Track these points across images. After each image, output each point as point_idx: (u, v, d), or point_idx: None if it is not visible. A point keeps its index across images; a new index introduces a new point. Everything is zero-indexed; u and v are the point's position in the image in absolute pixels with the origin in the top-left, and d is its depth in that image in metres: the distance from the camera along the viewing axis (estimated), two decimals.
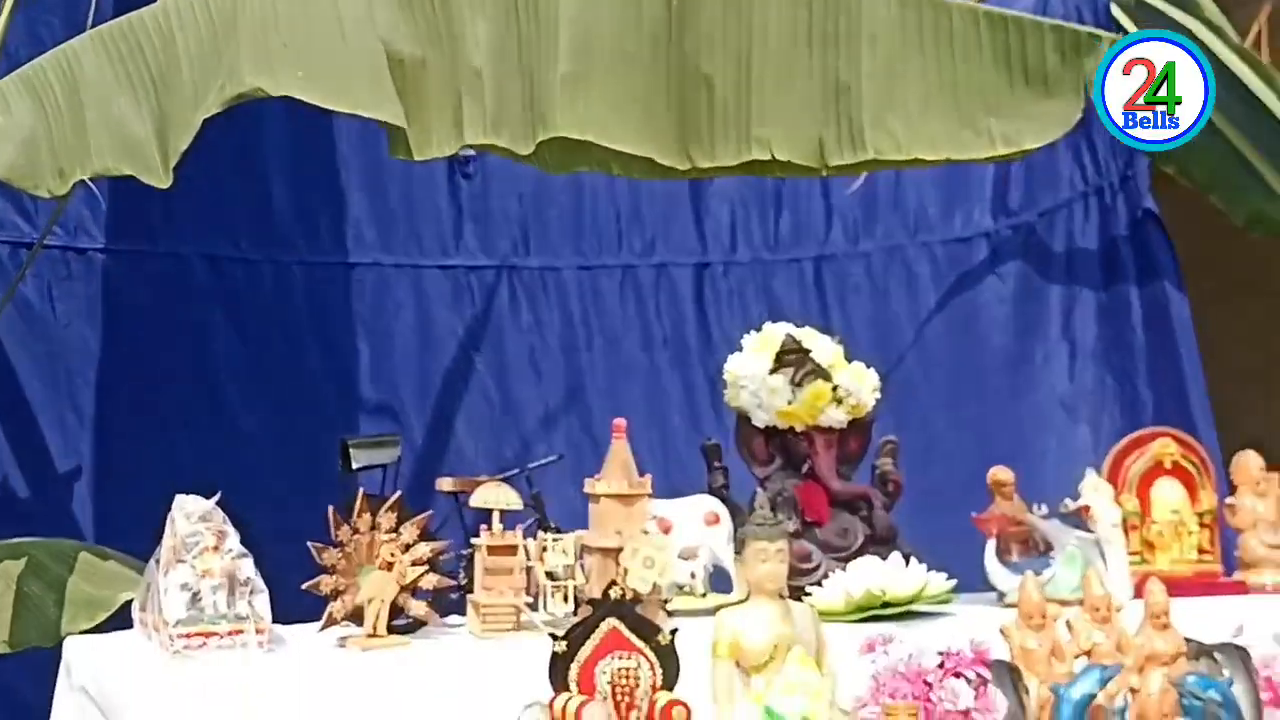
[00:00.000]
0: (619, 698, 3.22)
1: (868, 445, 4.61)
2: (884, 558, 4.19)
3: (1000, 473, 4.52)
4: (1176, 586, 4.44)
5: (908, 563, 4.16)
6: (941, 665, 3.33)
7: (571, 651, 3.24)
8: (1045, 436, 6.51)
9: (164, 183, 3.79)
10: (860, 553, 4.29)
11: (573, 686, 3.22)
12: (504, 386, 6.18)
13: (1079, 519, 4.39)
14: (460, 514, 4.39)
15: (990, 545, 4.34)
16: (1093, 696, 3.36)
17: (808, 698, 3.10)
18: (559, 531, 3.94)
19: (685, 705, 3.21)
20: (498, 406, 6.17)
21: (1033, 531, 4.41)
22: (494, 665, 3.61)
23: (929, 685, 3.29)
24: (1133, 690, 3.49)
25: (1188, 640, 3.65)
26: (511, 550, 3.78)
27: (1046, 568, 4.26)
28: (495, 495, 3.83)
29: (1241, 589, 4.56)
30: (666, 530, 4.14)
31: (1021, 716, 3.38)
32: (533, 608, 3.77)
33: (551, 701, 3.22)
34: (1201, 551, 4.67)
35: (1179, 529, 4.65)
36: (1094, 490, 4.45)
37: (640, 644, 3.28)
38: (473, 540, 3.89)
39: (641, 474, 3.91)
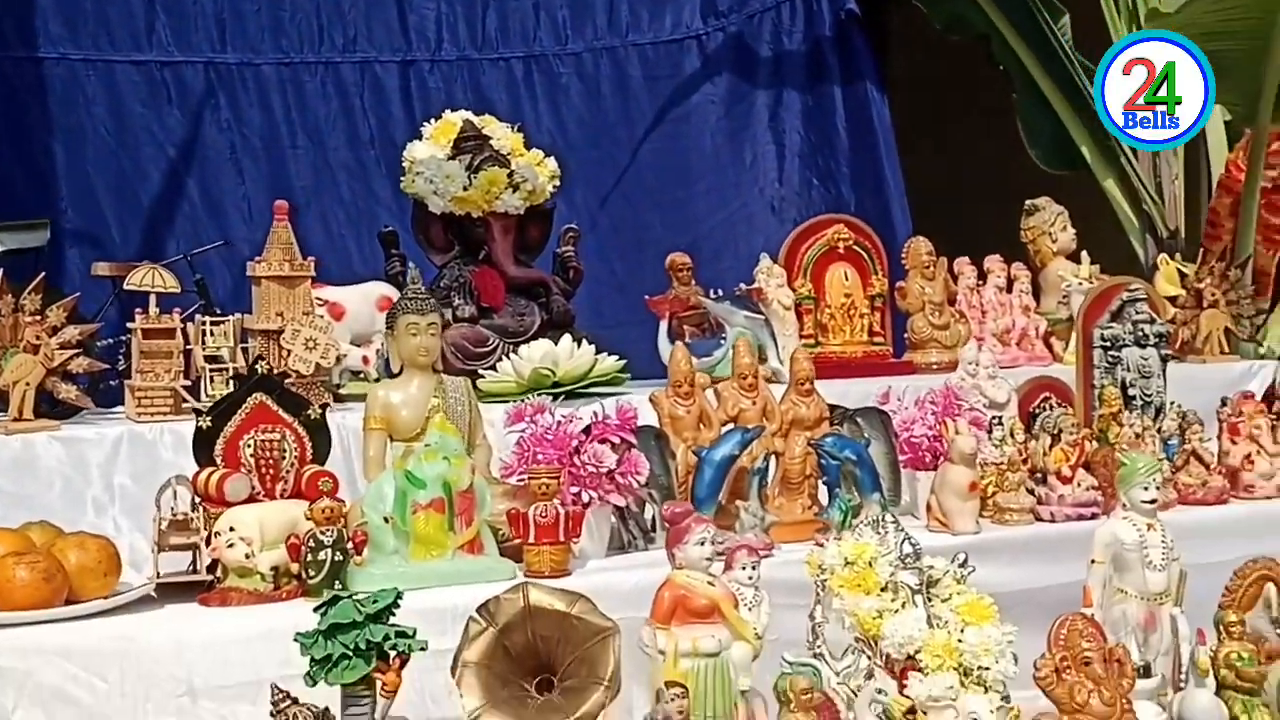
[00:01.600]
0: (264, 470, 3.24)
1: (549, 233, 4.63)
2: (557, 342, 4.23)
3: (678, 257, 4.61)
4: (848, 367, 4.65)
5: (579, 345, 4.21)
6: (588, 431, 3.39)
7: (216, 427, 3.24)
8: (754, 236, 6.65)
9: None
10: (536, 337, 4.33)
11: (218, 461, 3.22)
12: (204, 184, 6.02)
13: (752, 301, 4.51)
14: (119, 300, 4.28)
15: (663, 326, 4.42)
16: (734, 458, 3.47)
17: (448, 463, 3.14)
18: (223, 315, 3.89)
19: (331, 476, 3.23)
20: (198, 205, 6.01)
21: (707, 314, 4.50)
22: (147, 448, 3.58)
23: (575, 451, 3.35)
24: (777, 454, 3.62)
25: (833, 407, 3.80)
26: (168, 334, 3.72)
27: (718, 349, 4.37)
28: (150, 278, 3.75)
29: (909, 369, 4.74)
30: (339, 316, 4.12)
31: (666, 478, 3.50)
32: (193, 392, 3.72)
33: (195, 476, 3.22)
34: (873, 334, 4.82)
35: (851, 312, 4.78)
36: (766, 274, 4.58)
37: (288, 418, 3.29)
38: (128, 324, 3.81)
39: (307, 256, 3.89)
